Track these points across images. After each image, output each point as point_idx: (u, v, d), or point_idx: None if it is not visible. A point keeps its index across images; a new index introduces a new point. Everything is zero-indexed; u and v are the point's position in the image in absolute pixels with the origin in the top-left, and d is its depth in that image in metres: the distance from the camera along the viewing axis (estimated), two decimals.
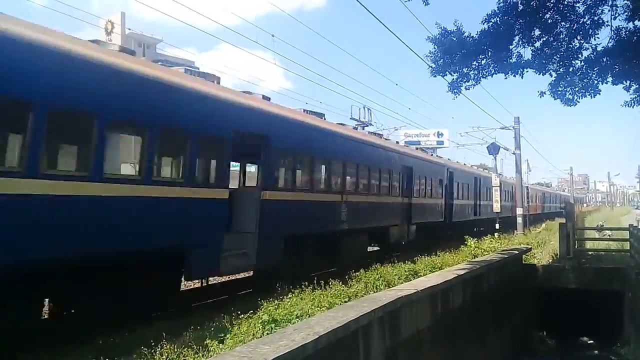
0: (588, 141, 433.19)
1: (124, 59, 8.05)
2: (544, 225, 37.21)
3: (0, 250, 6.04)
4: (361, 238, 15.94)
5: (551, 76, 11.81)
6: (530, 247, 18.83)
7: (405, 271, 10.94)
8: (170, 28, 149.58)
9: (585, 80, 11.55)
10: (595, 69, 11.63)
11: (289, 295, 7.81)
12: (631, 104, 12.51)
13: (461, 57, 11.69)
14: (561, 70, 11.59)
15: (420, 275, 10.89)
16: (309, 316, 6.52)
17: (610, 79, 11.82)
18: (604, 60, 11.53)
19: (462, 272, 10.77)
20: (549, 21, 11.50)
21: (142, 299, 8.18)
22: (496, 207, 29.53)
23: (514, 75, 12.01)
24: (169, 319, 8.07)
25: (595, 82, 11.66)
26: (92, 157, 7.15)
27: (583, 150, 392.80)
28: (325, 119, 14.85)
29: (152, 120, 8.08)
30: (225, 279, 12.36)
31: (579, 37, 11.52)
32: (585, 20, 11.38)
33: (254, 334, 6.06)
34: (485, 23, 11.57)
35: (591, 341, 15.64)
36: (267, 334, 5.89)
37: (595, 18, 11.30)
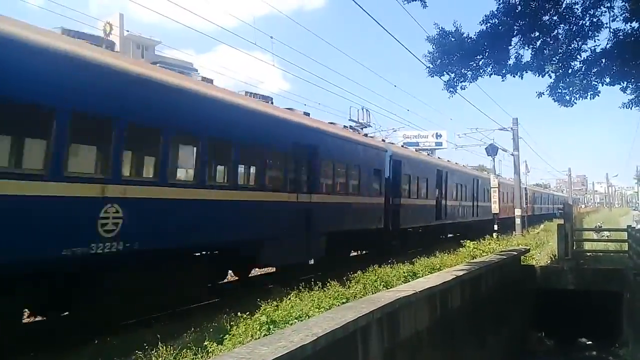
0: (586, 142, 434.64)
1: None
2: (542, 226, 37.26)
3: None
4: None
5: (550, 77, 11.84)
6: (528, 248, 18.85)
7: (404, 272, 10.95)
8: (168, 30, 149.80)
9: (584, 82, 11.57)
10: (594, 70, 11.66)
11: (288, 297, 7.82)
12: (629, 105, 12.55)
13: (459, 58, 11.71)
14: (560, 71, 11.61)
15: (419, 277, 10.91)
16: (308, 317, 6.52)
17: (607, 80, 11.85)
18: (602, 61, 11.56)
19: (461, 273, 10.77)
20: (548, 23, 11.52)
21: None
22: (494, 207, 29.56)
23: (513, 76, 12.03)
24: (169, 319, 8.08)
25: (594, 83, 11.69)
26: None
27: (581, 151, 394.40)
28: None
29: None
30: (225, 279, 12.37)
31: (578, 39, 11.55)
32: (584, 22, 11.41)
33: (252, 335, 6.06)
34: (484, 24, 11.60)
35: (590, 342, 15.67)
36: (266, 335, 5.89)
37: (595, 20, 11.33)
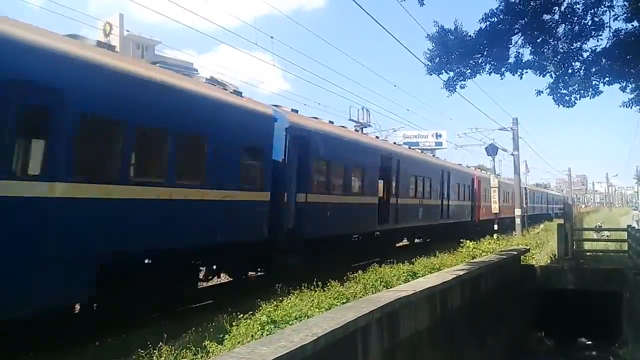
0: (586, 142, 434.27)
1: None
2: (541, 226, 37.26)
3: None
4: None
5: (551, 77, 11.83)
6: (528, 247, 18.85)
7: (404, 272, 10.94)
8: (168, 30, 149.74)
9: (585, 81, 11.56)
10: (594, 69, 11.65)
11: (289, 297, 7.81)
12: (629, 104, 12.55)
13: (459, 56, 11.68)
14: (561, 71, 11.59)
15: (419, 276, 10.89)
16: (308, 317, 6.51)
17: (607, 79, 11.84)
18: (603, 61, 11.54)
19: (461, 273, 10.77)
20: (549, 22, 11.50)
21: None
22: (494, 207, 29.63)
23: (513, 74, 12.01)
24: (169, 319, 8.06)
25: (595, 82, 11.68)
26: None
27: (581, 151, 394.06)
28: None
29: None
30: (225, 279, 12.36)
31: (579, 39, 11.52)
32: (586, 21, 11.39)
33: (252, 335, 6.05)
34: (484, 22, 11.57)
35: (590, 342, 15.66)
36: (266, 334, 5.88)
37: (597, 19, 11.31)
